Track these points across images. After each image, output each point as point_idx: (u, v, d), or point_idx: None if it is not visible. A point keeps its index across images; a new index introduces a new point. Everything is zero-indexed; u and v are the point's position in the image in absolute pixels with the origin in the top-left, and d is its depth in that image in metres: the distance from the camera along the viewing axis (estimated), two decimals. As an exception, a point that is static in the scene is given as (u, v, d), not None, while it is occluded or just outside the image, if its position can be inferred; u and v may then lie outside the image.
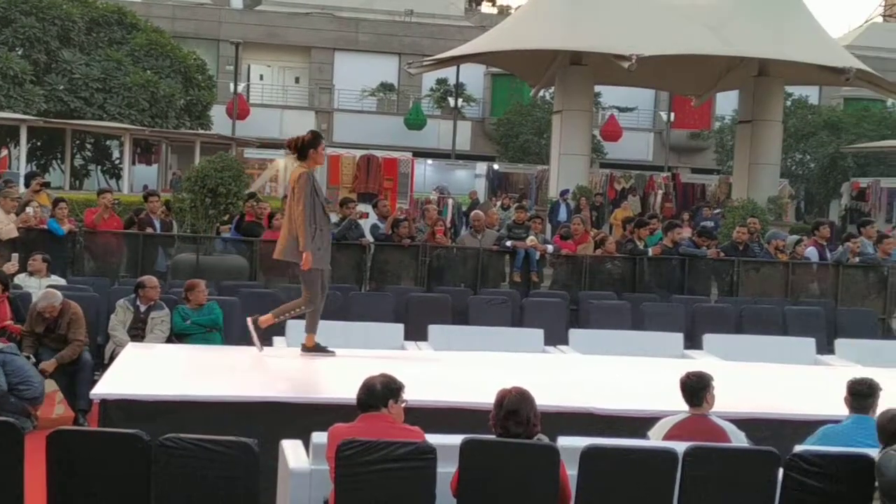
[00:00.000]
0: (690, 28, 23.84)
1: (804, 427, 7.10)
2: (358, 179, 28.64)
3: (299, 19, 46.59)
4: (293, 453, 6.34)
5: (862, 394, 6.78)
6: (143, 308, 10.91)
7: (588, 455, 5.81)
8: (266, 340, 9.56)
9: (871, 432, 6.36)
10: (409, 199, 28.84)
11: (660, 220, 17.87)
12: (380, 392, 6.04)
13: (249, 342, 9.31)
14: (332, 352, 9.36)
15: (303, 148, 9.02)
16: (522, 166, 36.83)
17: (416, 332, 10.96)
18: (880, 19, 68.46)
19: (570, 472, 5.83)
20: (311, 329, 9.35)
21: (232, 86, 39.90)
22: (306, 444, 6.30)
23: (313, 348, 9.33)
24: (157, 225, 14.84)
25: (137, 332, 10.72)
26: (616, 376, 9.39)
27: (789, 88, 34.60)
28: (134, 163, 32.73)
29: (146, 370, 8.49)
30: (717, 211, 26.33)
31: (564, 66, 25.28)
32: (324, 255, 9.14)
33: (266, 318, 9.28)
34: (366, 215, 16.67)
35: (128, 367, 8.46)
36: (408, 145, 39.67)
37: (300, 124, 44.94)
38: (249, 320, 9.33)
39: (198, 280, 11.43)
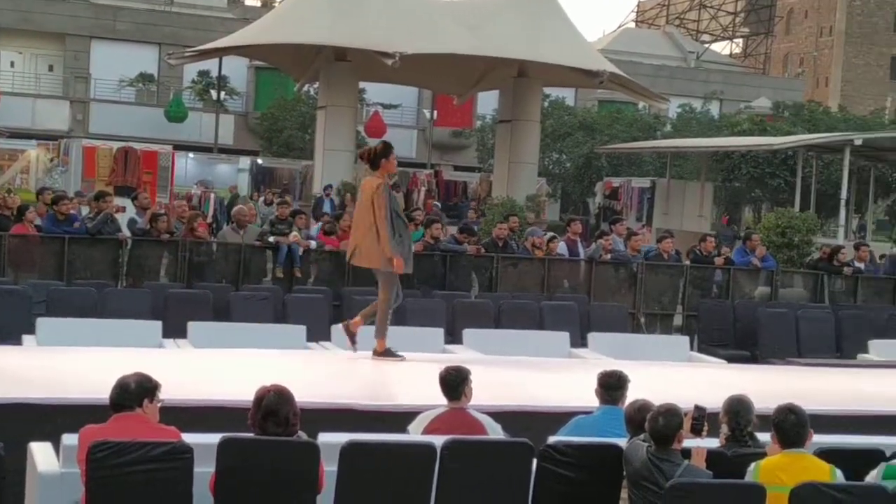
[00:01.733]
0: (452, 28, 24.24)
1: (558, 418, 7.30)
2: (115, 172, 27.82)
3: (54, 5, 44.78)
4: (42, 456, 6.09)
5: (611, 386, 7.03)
6: None
7: (347, 451, 5.81)
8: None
9: (619, 422, 6.61)
10: (169, 194, 28.19)
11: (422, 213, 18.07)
12: (134, 391, 5.86)
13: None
14: (402, 356, 9.69)
15: (375, 158, 9.42)
16: (286, 161, 36.58)
17: (175, 330, 10.71)
18: (633, 25, 71.42)
19: (331, 468, 5.82)
20: (381, 334, 9.70)
21: (-21, 73, 38.02)
22: (56, 447, 6.06)
23: (384, 353, 9.68)
24: None
25: None
26: (378, 372, 9.44)
27: (547, 90, 35.62)
28: None
29: None
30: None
31: (329, 61, 25.26)
32: (406, 260, 9.60)
33: (356, 321, 9.80)
34: (122, 209, 16.17)
35: None
36: (168, 138, 38.77)
37: (53, 114, 43.30)
38: (341, 325, 9.93)
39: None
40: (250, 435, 5.76)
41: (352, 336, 9.81)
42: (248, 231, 14.88)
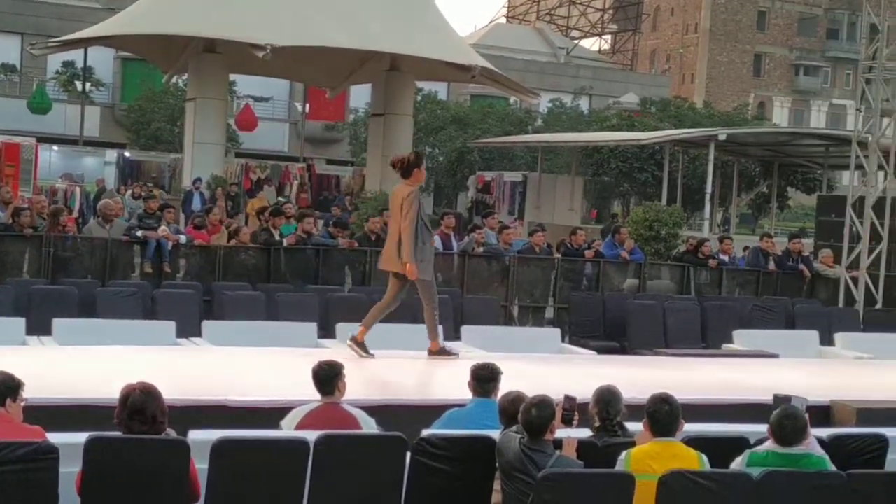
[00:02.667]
0: (324, 21, 24.09)
1: (432, 411, 7.32)
2: (-25, 166, 26.92)
3: None
4: None
5: (484, 378, 7.08)
6: None
7: (219, 448, 5.73)
8: None
9: (493, 414, 6.66)
10: (32, 187, 27.43)
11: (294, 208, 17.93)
12: (-4, 390, 5.69)
13: None
14: (456, 354, 10.04)
15: (408, 167, 9.77)
16: (155, 154, 35.96)
17: (39, 327, 10.43)
18: (504, 20, 72.04)
19: (202, 466, 5.73)
20: (434, 335, 10.09)
21: None
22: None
23: (439, 352, 10.01)
24: None
25: None
26: (250, 367, 9.34)
27: (420, 84, 35.68)
28: None
29: None
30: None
31: (198, 53, 24.89)
32: (427, 266, 9.89)
33: (362, 330, 9.99)
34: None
35: None
36: (31, 130, 37.69)
37: None
38: (349, 342, 9.95)
39: None
40: (117, 433, 5.63)
41: (361, 345, 9.94)
42: (115, 225, 14.57)
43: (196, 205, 23.17)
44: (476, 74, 25.19)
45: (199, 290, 13.16)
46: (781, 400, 7.20)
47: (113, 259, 14.05)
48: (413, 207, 9.67)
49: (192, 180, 24.78)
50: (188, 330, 10.94)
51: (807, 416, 6.25)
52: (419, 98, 37.79)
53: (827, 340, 13.28)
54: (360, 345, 9.92)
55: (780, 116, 75.92)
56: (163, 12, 24.20)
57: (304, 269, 14.75)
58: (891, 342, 13.39)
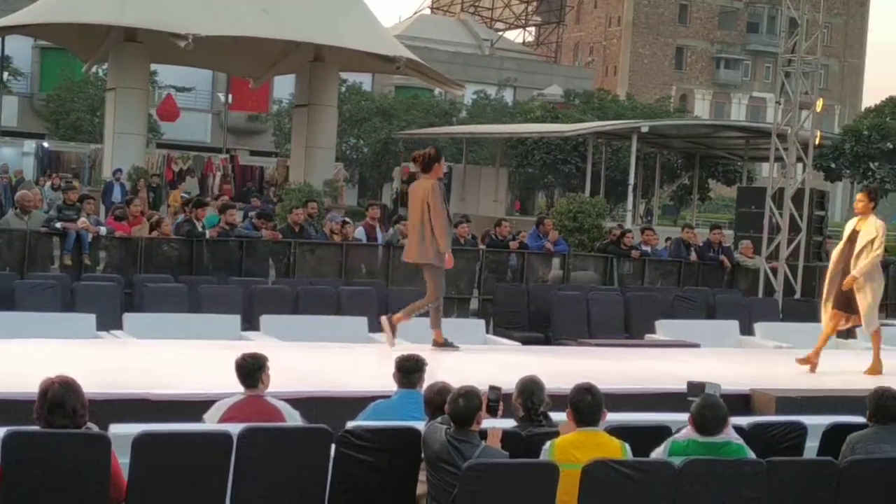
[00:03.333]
0: (247, 10, 23.90)
1: (357, 403, 7.29)
2: None
3: None
4: None
5: (409, 369, 7.07)
6: None
7: (140, 442, 5.66)
8: None
9: (418, 406, 6.66)
10: (-52, 178, 26.91)
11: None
12: None
13: None
14: (458, 347, 10.30)
15: (429, 162, 10.21)
16: (74, 145, 35.42)
17: (-46, 321, 10.22)
18: (429, 11, 72.00)
19: (124, 460, 5.65)
20: (436, 325, 10.39)
21: None
22: None
23: (442, 344, 10.24)
24: None
25: None
26: (172, 360, 9.24)
27: (344, 75, 35.58)
28: None
29: None
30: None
31: (118, 42, 24.56)
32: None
33: (398, 317, 10.35)
34: None
35: None
36: (-53, 120, 37.03)
37: None
38: (384, 318, 10.39)
39: None
40: (36, 428, 5.53)
41: (393, 329, 10.31)
42: (34, 217, 14.32)
43: (116, 196, 22.86)
44: (401, 66, 25.18)
45: (119, 282, 13.00)
46: (695, 387, 7.27)
47: (31, 251, 13.82)
48: (438, 200, 10.12)
49: (112, 171, 24.45)
50: (109, 323, 10.79)
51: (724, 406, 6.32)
52: (343, 89, 37.69)
53: (747, 330, 13.48)
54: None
55: (702, 109, 76.97)
56: (82, 1, 23.82)
57: (227, 261, 14.63)
58: (809, 331, 13.56)
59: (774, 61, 61.28)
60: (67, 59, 38.61)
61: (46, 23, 24.88)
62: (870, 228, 10.31)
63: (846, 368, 10.74)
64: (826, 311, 10.68)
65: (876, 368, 10.38)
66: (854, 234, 10.36)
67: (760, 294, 16.72)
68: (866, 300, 10.28)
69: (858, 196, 10.70)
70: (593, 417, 6.09)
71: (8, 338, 9.60)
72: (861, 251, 10.23)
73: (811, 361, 10.47)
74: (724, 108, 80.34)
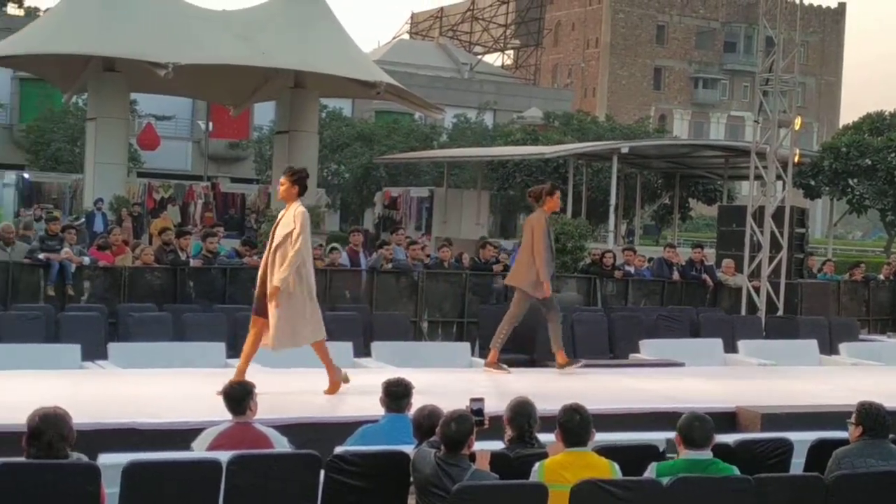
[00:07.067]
0: (226, 38, 23.98)
1: (345, 428, 7.30)
2: None
3: None
4: None
5: (396, 394, 7.07)
6: None
7: (130, 471, 5.66)
8: None
9: (406, 430, 6.66)
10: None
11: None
12: None
13: None
14: (508, 370, 11.07)
15: (542, 195, 10.97)
16: (55, 175, 35.33)
17: (-62, 353, 10.17)
18: (408, 36, 72.27)
19: (113, 490, 5.64)
20: (496, 345, 11.15)
21: None
22: None
23: (494, 365, 11.00)
24: None
25: None
26: (159, 389, 9.22)
27: (324, 101, 35.65)
28: None
29: None
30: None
31: (97, 72, 24.58)
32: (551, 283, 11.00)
33: (493, 352, 11.14)
34: None
35: None
36: (-74, 152, 36.91)
37: None
38: (484, 366, 11.11)
39: None
40: (24, 459, 5.51)
41: (496, 366, 11.00)
42: (16, 248, 14.28)
43: (98, 226, 22.82)
44: (381, 91, 25.26)
45: (104, 312, 12.95)
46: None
47: (15, 282, 13.77)
48: (543, 233, 10.86)
49: (94, 201, 24.42)
50: (94, 353, 10.76)
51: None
52: (324, 115, 37.74)
53: (731, 348, 13.54)
54: (495, 365, 10.94)
55: (681, 129, 77.40)
56: (60, 32, 23.84)
57: (210, 289, 14.61)
58: (792, 348, 13.70)
59: (752, 80, 61.68)
60: (47, 89, 38.57)
61: (25, 54, 24.88)
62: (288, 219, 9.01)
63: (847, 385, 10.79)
64: None
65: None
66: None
67: (743, 312, 16.78)
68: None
69: (282, 179, 9.15)
70: (581, 437, 6.11)
71: (-8, 370, 9.57)
72: None
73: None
74: (703, 127, 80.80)
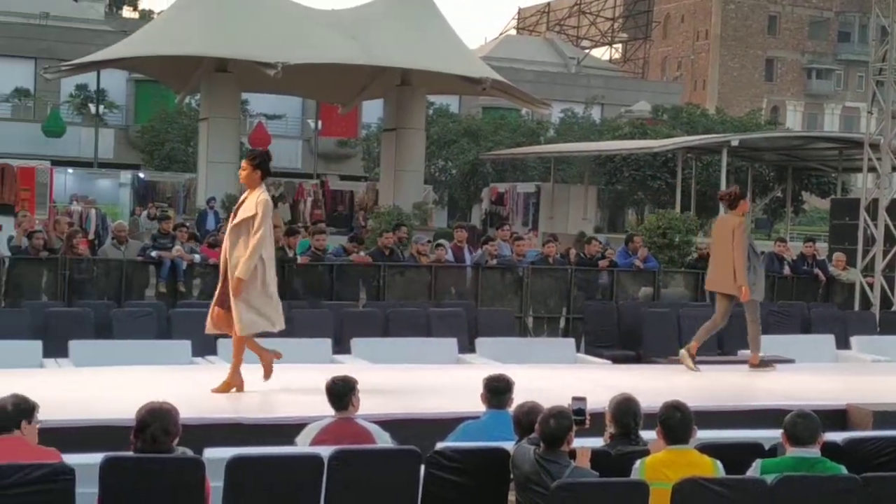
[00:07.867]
0: (334, 37, 24.19)
1: (446, 424, 7.32)
2: (-8, 190, 27.15)
3: (-78, 19, 43.61)
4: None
5: (498, 390, 7.07)
6: None
7: (233, 466, 5.76)
8: None
9: (507, 426, 6.64)
10: (48, 210, 27.60)
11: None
12: (11, 413, 5.72)
13: None
14: (774, 366, 11.20)
15: (735, 199, 11.12)
16: (169, 174, 36.10)
17: (56, 349, 10.47)
18: (514, 32, 72.15)
19: (217, 483, 5.75)
20: (756, 349, 11.26)
21: None
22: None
23: (759, 365, 11.16)
24: None
25: None
26: (265, 384, 9.35)
27: (431, 97, 35.75)
28: None
29: None
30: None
31: (209, 72, 25.01)
32: (757, 288, 11.09)
33: (693, 345, 11.23)
34: (-1, 227, 15.82)
35: None
36: (46, 154, 38.03)
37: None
38: (683, 351, 11.21)
39: None
40: (132, 454, 5.65)
41: (693, 358, 11.11)
42: (130, 246, 14.64)
43: (210, 224, 23.26)
44: (487, 87, 25.24)
45: (213, 308, 13.17)
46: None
47: (128, 280, 14.12)
48: (743, 236, 10.93)
49: (206, 199, 24.88)
50: (204, 349, 10.97)
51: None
52: (431, 112, 37.85)
53: (843, 344, 13.25)
54: (691, 357, 11.08)
55: (794, 120, 75.81)
56: (174, 34, 24.33)
57: (317, 285, 14.78)
58: (908, 344, 13.35)
59: (867, 70, 60.28)
60: (161, 91, 39.43)
61: (140, 56, 25.45)
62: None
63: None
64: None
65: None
66: None
67: (856, 307, 16.41)
68: None
69: (243, 164, 9.07)
70: (683, 435, 6.04)
71: (106, 365, 9.83)
72: None
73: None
74: (817, 118, 79.05)
